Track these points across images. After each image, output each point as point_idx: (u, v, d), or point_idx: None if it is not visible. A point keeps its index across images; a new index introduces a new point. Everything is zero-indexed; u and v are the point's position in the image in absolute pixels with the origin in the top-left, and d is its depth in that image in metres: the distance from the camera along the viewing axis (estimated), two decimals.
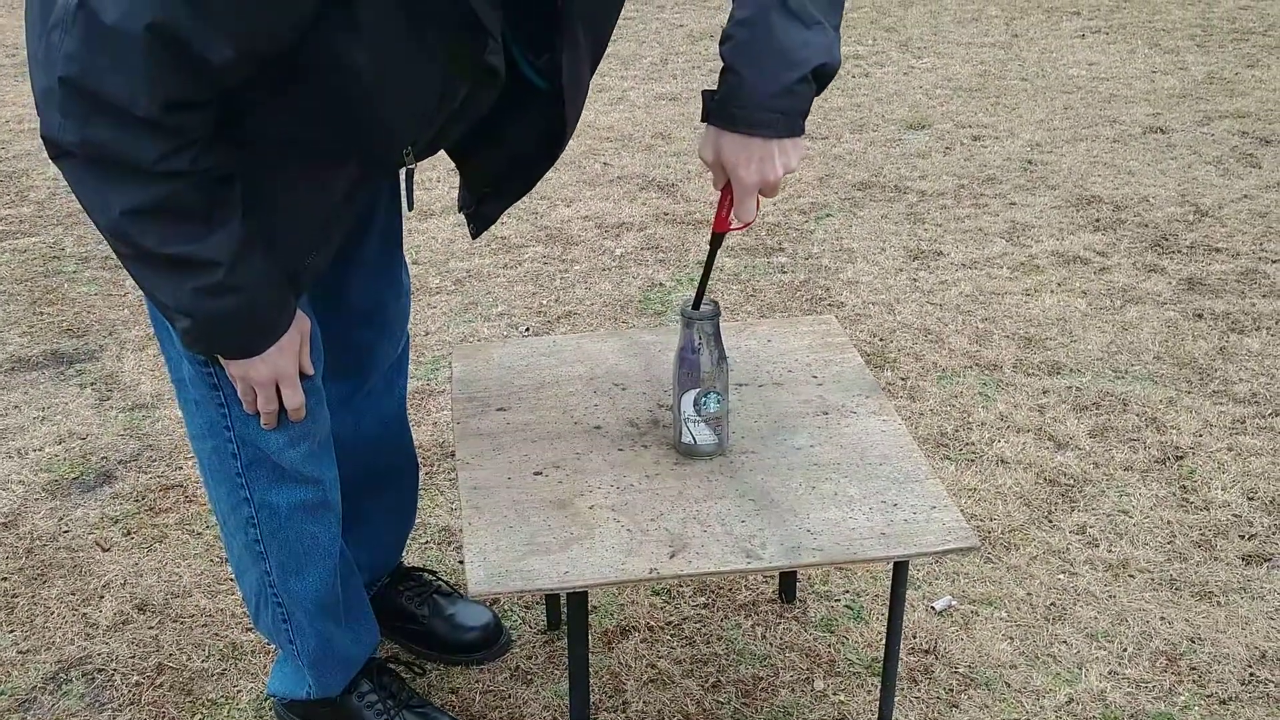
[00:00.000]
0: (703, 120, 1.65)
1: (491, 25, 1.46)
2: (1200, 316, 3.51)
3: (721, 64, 1.59)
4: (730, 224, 1.73)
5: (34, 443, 3.06)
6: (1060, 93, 5.54)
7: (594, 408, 2.05)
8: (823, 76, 1.58)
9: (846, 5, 1.72)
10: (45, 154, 5.09)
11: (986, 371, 3.25)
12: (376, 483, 2.20)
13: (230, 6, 1.33)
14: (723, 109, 1.60)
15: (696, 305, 1.84)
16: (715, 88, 1.62)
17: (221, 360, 1.69)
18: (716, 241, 1.80)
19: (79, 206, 4.44)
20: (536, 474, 1.88)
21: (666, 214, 4.33)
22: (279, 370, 1.70)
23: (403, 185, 1.83)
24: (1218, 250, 3.92)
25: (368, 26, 1.39)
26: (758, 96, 1.56)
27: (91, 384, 3.33)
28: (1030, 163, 4.71)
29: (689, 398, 1.86)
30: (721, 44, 1.59)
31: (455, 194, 4.46)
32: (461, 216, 4.25)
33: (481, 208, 1.88)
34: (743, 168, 1.62)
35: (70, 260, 4.07)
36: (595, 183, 4.64)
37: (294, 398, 1.74)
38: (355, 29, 1.39)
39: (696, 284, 1.89)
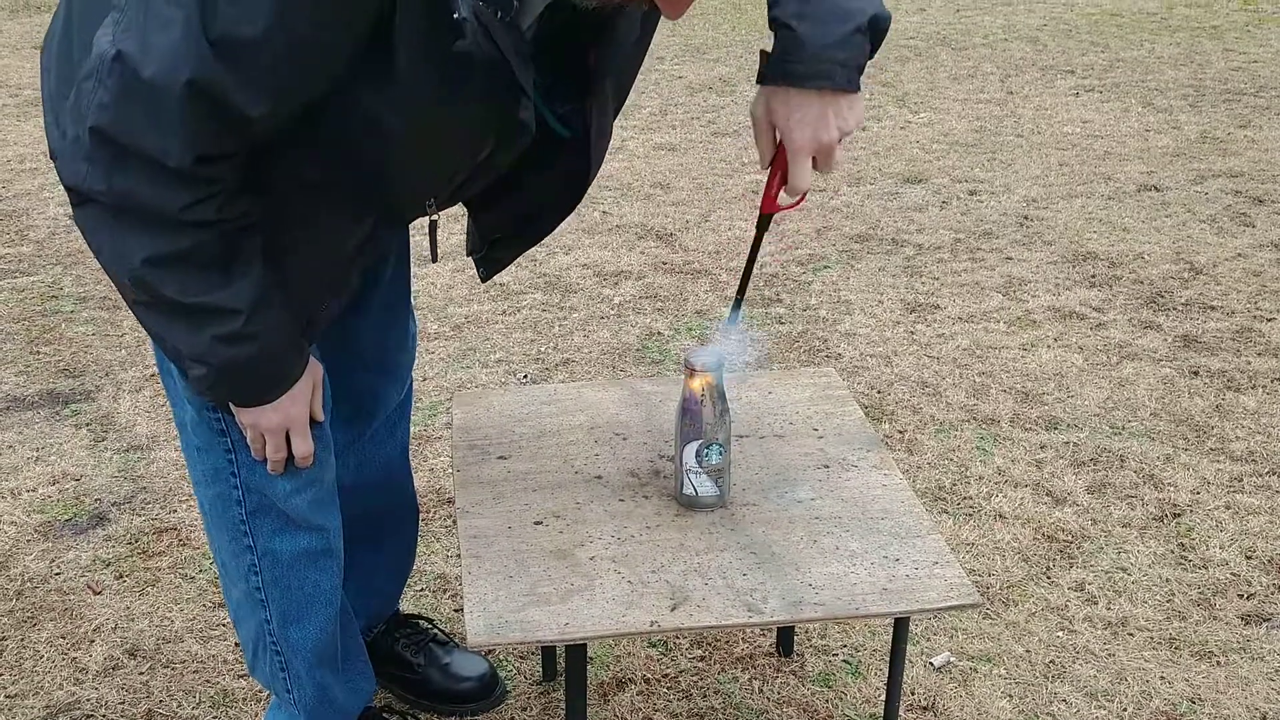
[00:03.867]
0: (758, 82, 1.60)
1: (525, 82, 1.46)
2: (1196, 374, 3.52)
3: (772, 29, 1.54)
4: (779, 203, 1.65)
5: (27, 483, 3.04)
6: (1055, 149, 5.59)
7: (595, 457, 2.04)
8: (876, 30, 1.54)
9: None
10: (45, 193, 5.07)
11: (984, 425, 3.25)
12: (377, 528, 2.19)
13: (270, 62, 1.33)
14: (779, 66, 1.54)
15: (738, 303, 1.82)
16: (769, 48, 1.56)
17: (233, 407, 1.68)
18: (764, 224, 1.72)
19: (79, 246, 4.45)
20: (537, 523, 1.87)
21: (665, 263, 4.35)
22: (290, 418, 1.68)
23: (424, 236, 1.83)
24: (1213, 308, 3.94)
25: (402, 83, 1.39)
26: (814, 48, 1.51)
27: (87, 424, 3.31)
28: (1026, 218, 4.74)
29: (691, 449, 1.85)
30: (771, 9, 1.54)
31: (455, 240, 4.47)
32: (463, 262, 4.27)
33: (492, 251, 1.88)
34: (796, 129, 1.56)
35: (68, 300, 4.07)
36: (594, 231, 4.66)
37: (303, 445, 1.73)
38: (390, 85, 1.40)
39: (741, 275, 1.83)
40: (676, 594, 1.72)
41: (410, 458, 3.09)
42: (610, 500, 1.92)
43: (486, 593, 1.72)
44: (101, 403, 3.43)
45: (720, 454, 1.86)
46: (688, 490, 1.88)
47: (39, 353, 3.73)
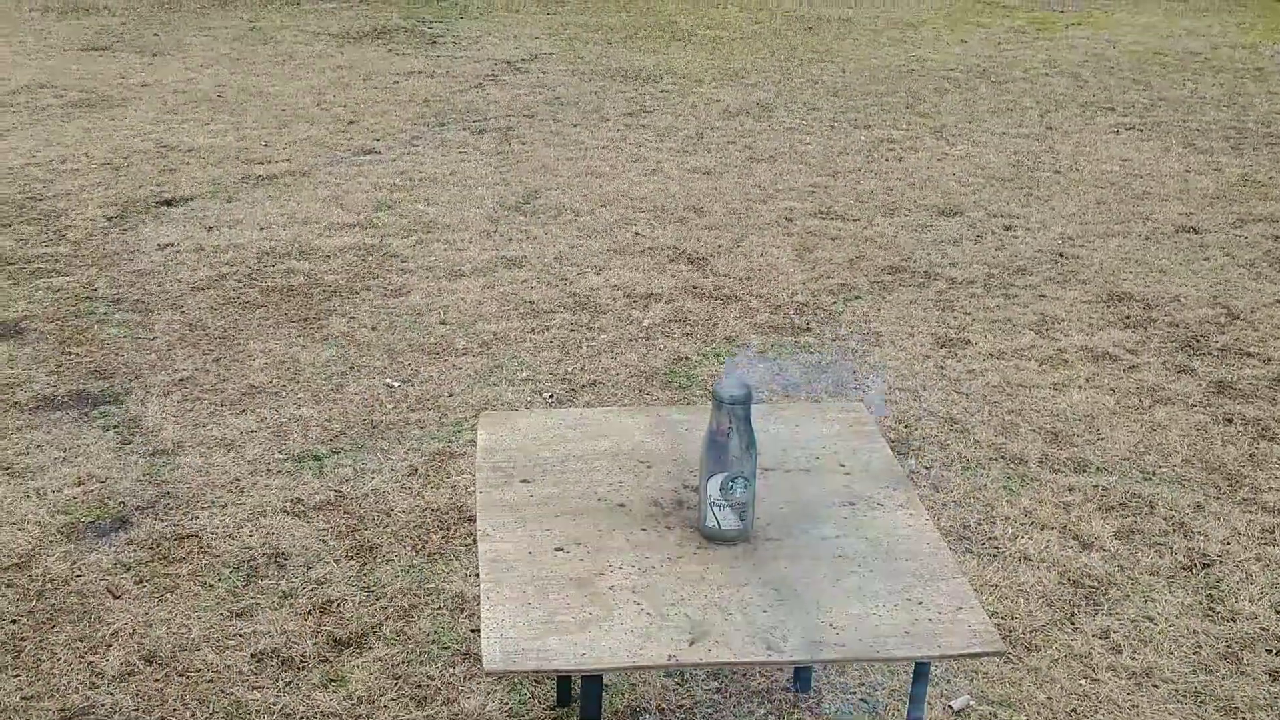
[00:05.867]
0: None
1: None
2: (1230, 421, 3.47)
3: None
4: None
5: (53, 483, 3.06)
6: (1093, 187, 5.55)
7: (618, 485, 2.03)
8: None
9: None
10: (85, 194, 5.14)
11: (1011, 465, 3.22)
12: None
13: None
14: None
15: None
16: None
17: None
18: None
19: (115, 248, 4.51)
20: (557, 550, 1.86)
21: (696, 287, 4.34)
22: None
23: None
24: (1249, 354, 3.89)
25: None
26: None
27: (114, 427, 3.33)
28: (1061, 255, 4.71)
29: (716, 481, 1.84)
30: None
31: (487, 256, 4.49)
32: (493, 277, 4.27)
33: None
34: None
35: (102, 301, 4.10)
36: (626, 252, 4.66)
37: None
38: None
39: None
40: (696, 628, 1.70)
41: (432, 473, 3.10)
42: (632, 529, 1.91)
43: (504, 619, 1.71)
44: (130, 406, 3.45)
45: (745, 487, 1.85)
46: (711, 523, 1.87)
47: (70, 353, 3.76)
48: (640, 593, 1.76)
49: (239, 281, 4.31)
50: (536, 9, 9.75)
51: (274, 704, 2.34)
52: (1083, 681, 2.45)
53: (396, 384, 3.60)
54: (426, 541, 2.85)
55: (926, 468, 3.19)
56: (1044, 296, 4.32)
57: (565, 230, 4.87)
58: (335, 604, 2.63)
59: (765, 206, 5.21)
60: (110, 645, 2.50)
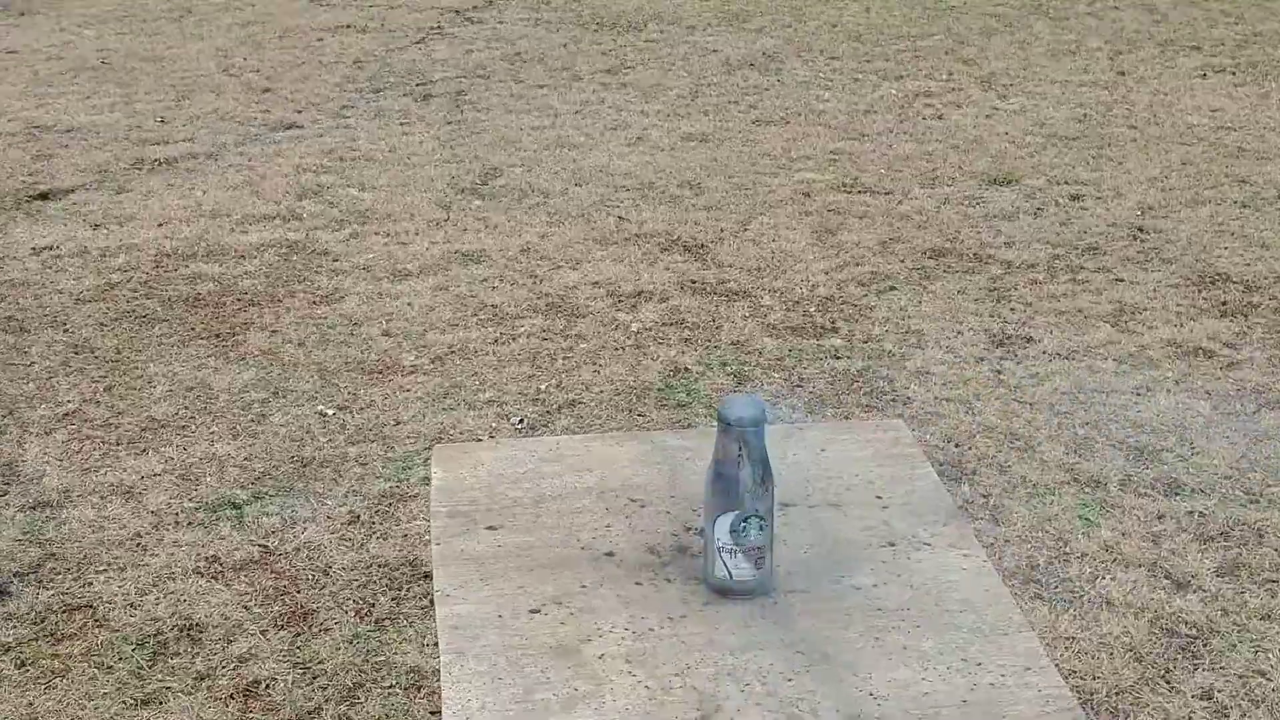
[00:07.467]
0: None
1: None
2: None
3: None
4: None
5: None
6: (1177, 144, 5.59)
7: (605, 529, 2.04)
8: None
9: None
10: None
11: (1087, 489, 3.24)
12: None
13: None
14: None
15: None
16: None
17: None
18: None
19: None
20: (533, 612, 1.87)
21: (694, 281, 4.36)
22: None
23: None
24: None
25: None
26: None
27: None
28: (1141, 230, 4.75)
29: (724, 522, 1.85)
30: None
31: (437, 250, 4.50)
32: (445, 277, 4.30)
33: None
34: None
35: None
36: (608, 241, 4.68)
37: None
38: None
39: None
40: (705, 703, 1.71)
41: (380, 520, 3.12)
42: (624, 583, 1.92)
43: (470, 699, 1.72)
44: (4, 448, 3.45)
45: (761, 529, 1.86)
46: (720, 573, 1.88)
47: None
48: (636, 662, 1.78)
49: (134, 291, 4.32)
50: None
51: None
52: None
53: (331, 412, 3.61)
54: (373, 605, 2.86)
55: (984, 496, 3.22)
56: (1121, 281, 4.35)
57: (533, 216, 4.89)
58: (263, 685, 2.64)
59: (776, 180, 5.24)
60: None
